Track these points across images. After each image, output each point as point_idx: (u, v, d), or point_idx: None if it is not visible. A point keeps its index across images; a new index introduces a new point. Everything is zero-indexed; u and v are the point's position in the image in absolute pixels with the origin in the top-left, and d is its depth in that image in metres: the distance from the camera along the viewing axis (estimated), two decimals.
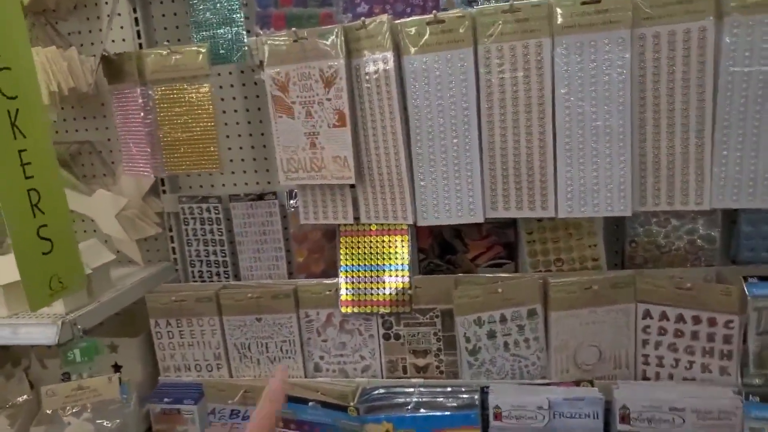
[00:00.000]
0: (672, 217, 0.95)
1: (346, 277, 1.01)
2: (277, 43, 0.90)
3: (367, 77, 0.88)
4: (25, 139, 0.84)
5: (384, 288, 0.99)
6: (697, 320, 0.88)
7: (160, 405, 1.08)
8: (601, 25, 0.78)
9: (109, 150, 1.24)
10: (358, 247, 1.01)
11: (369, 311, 1.00)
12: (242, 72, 1.13)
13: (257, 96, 1.13)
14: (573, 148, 0.83)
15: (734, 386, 0.86)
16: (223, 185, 1.20)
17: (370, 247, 1.00)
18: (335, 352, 1.05)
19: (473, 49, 0.83)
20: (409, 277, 0.99)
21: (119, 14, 1.14)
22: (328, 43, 0.87)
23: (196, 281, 1.19)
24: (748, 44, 0.75)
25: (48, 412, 0.96)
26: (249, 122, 1.15)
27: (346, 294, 1.01)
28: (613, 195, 0.83)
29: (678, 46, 0.77)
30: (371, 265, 1.00)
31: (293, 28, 0.88)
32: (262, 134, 1.15)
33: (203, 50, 0.95)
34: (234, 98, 1.15)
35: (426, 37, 0.84)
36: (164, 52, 0.97)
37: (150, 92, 0.98)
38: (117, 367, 1.16)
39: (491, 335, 0.96)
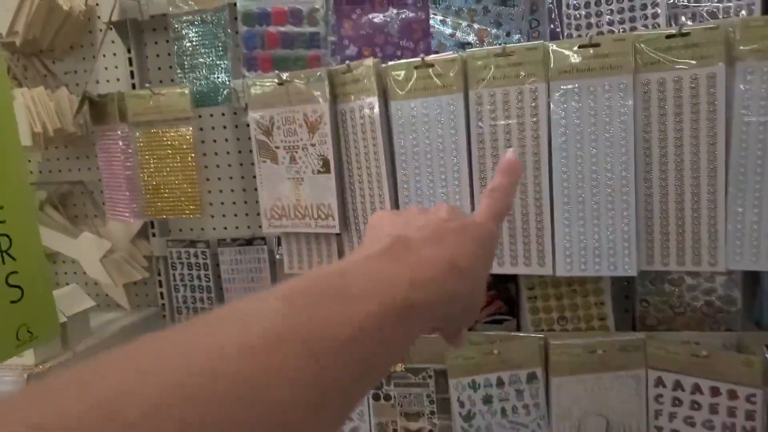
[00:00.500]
0: (687, 275, 0.87)
1: None
2: (261, 86, 0.86)
3: (353, 123, 0.83)
4: None
5: None
6: (715, 392, 0.79)
7: None
8: (600, 70, 0.72)
9: (100, 191, 1.21)
10: None
11: None
12: (235, 113, 1.10)
13: (249, 138, 1.10)
14: (571, 201, 0.76)
15: None
16: (214, 229, 1.16)
17: None
18: None
19: (464, 95, 0.78)
20: None
21: (114, 54, 1.13)
22: (312, 86, 0.83)
23: None
24: (764, 92, 0.68)
25: None
26: (241, 164, 1.12)
27: None
28: (617, 253, 0.75)
29: (685, 94, 0.71)
30: None
31: (277, 71, 0.84)
32: (254, 177, 1.12)
33: (186, 92, 0.91)
34: (226, 140, 1.11)
35: (414, 81, 0.79)
36: (147, 94, 0.94)
37: (131, 134, 0.95)
38: None
39: (487, 400, 0.88)
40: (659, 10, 0.81)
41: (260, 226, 1.12)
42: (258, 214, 1.12)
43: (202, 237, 1.15)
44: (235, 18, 0.94)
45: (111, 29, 1.06)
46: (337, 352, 0.26)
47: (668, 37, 0.71)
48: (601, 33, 0.83)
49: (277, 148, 0.88)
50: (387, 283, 0.31)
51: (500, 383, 0.87)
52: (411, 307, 0.31)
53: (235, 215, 1.14)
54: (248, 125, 1.08)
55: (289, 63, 0.90)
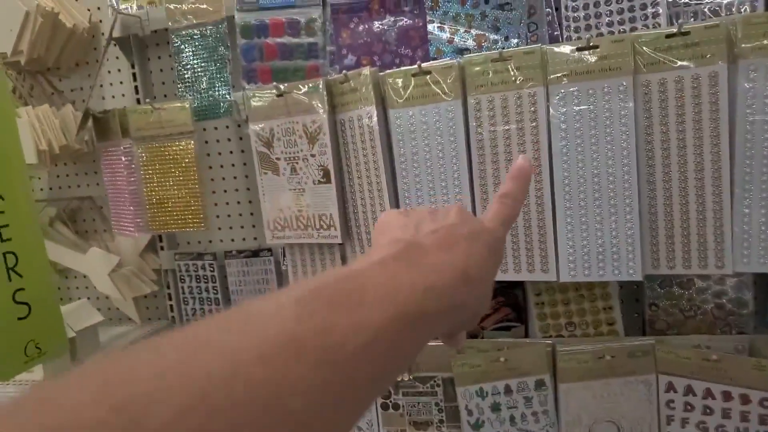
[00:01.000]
0: (696, 278, 0.85)
1: None
2: (260, 97, 0.87)
3: (352, 132, 0.83)
4: (2, 201, 0.82)
5: None
6: (727, 396, 0.78)
7: None
8: (600, 72, 0.71)
9: (109, 206, 1.22)
10: None
11: None
12: (239, 126, 1.10)
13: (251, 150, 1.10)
14: (573, 206, 0.75)
15: None
16: (221, 241, 1.16)
17: None
18: None
19: (462, 101, 0.77)
20: None
21: (119, 70, 1.14)
22: (311, 97, 0.83)
23: None
24: None
25: None
26: (246, 176, 1.12)
27: None
28: (621, 257, 0.74)
29: (687, 94, 0.69)
30: None
31: (275, 83, 0.84)
32: None
33: (186, 106, 0.92)
34: (230, 152, 1.12)
35: (411, 89, 0.78)
36: (148, 109, 0.94)
37: (134, 149, 0.96)
38: None
39: (495, 408, 0.87)
40: (660, 10, 0.79)
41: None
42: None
43: (209, 249, 1.15)
44: (234, 31, 0.95)
45: (115, 45, 1.07)
46: (351, 359, 0.27)
47: (668, 36, 0.70)
48: (601, 34, 0.82)
49: (277, 159, 0.88)
50: (401, 291, 0.31)
51: (508, 391, 0.86)
52: (424, 314, 0.31)
53: (242, 227, 1.14)
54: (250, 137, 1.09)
55: (288, 74, 0.91)
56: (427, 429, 0.93)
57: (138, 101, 1.10)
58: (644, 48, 0.70)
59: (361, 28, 0.88)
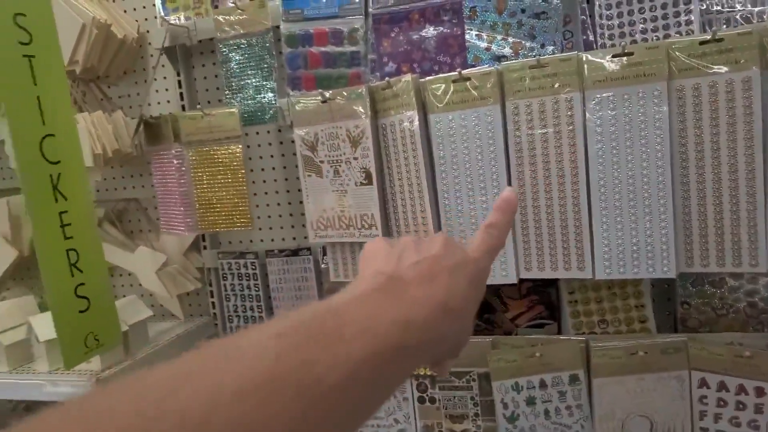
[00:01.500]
0: (728, 277, 0.87)
1: None
2: (305, 104, 0.91)
3: (394, 136, 0.87)
4: (66, 201, 0.87)
5: None
6: (760, 392, 0.80)
7: None
8: (635, 78, 0.74)
9: (154, 207, 1.28)
10: None
11: None
12: (279, 130, 1.15)
13: (294, 154, 1.15)
14: (609, 206, 0.78)
15: None
16: (262, 240, 1.21)
17: None
18: None
19: (501, 106, 0.80)
20: None
21: (165, 77, 1.19)
22: (354, 103, 0.87)
23: None
24: None
25: None
26: (286, 179, 1.17)
27: None
28: (655, 256, 0.77)
29: (721, 98, 0.72)
30: None
31: (320, 90, 0.88)
32: (298, 190, 1.16)
33: (235, 112, 0.97)
34: (272, 156, 1.16)
35: (451, 94, 0.82)
36: (198, 115, 0.99)
37: (185, 153, 1.01)
38: None
39: (530, 402, 0.90)
40: (692, 17, 0.82)
41: (305, 237, 1.18)
42: (303, 226, 1.17)
43: (250, 249, 1.20)
44: (279, 40, 1.00)
45: (162, 54, 1.13)
46: (330, 392, 0.27)
47: (702, 43, 0.72)
48: (635, 42, 0.85)
49: (321, 162, 0.92)
50: (381, 325, 0.32)
51: (543, 385, 0.89)
52: (404, 348, 0.32)
53: (282, 227, 1.19)
54: (293, 141, 1.13)
55: (332, 81, 0.95)
56: (463, 422, 0.97)
57: (183, 107, 1.15)
58: (678, 54, 0.73)
59: (401, 37, 0.92)
